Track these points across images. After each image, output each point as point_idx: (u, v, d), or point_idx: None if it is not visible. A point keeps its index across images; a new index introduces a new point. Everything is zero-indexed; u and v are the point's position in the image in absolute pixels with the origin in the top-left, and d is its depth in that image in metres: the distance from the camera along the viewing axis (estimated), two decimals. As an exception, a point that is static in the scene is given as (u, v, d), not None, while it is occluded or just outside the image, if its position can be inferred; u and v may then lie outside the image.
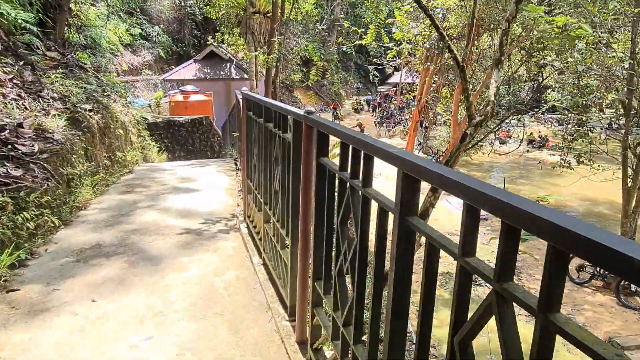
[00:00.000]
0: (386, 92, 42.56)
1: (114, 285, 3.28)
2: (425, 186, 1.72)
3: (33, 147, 4.64)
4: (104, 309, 2.95)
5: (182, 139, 13.87)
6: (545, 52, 16.28)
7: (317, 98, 23.62)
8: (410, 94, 27.36)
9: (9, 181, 4.01)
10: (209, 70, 21.03)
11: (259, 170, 3.74)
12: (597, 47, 9.33)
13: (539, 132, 26.24)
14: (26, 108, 5.26)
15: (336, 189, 2.05)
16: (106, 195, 5.66)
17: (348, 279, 1.99)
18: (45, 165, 4.65)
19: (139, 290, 3.22)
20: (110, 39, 22.00)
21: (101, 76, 9.81)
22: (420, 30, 18.32)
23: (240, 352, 2.54)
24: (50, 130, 5.15)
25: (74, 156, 5.25)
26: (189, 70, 20.94)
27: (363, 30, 15.89)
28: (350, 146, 1.80)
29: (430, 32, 18.09)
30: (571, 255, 0.76)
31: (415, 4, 7.84)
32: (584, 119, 12.19)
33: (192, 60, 21.93)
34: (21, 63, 6.01)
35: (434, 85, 21.14)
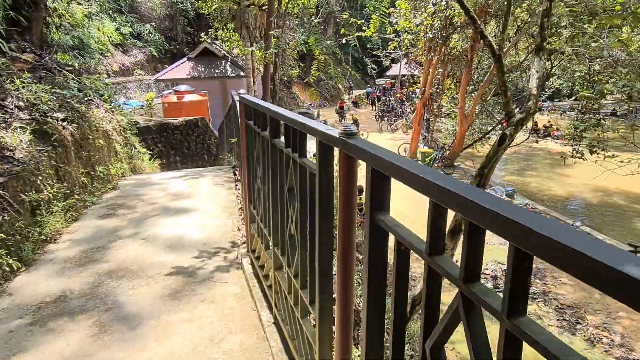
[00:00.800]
0: (384, 85, 41.57)
1: (75, 366, 2.41)
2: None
3: (-16, 171, 3.77)
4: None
5: (177, 142, 13.01)
6: (556, 37, 15.38)
7: (317, 93, 22.71)
8: (413, 87, 26.47)
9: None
10: (203, 69, 20.08)
11: (264, 199, 2.87)
12: None
13: (548, 121, 25.34)
14: (-20, 122, 4.38)
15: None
16: (82, 220, 4.78)
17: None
18: (1, 192, 3.77)
19: (109, 373, 2.36)
20: (99, 39, 21.05)
21: (84, 79, 8.92)
22: (422, 19, 17.42)
23: None
24: (10, 147, 4.27)
25: (41, 177, 4.37)
26: (182, 69, 20.00)
27: (363, 21, 14.96)
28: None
29: (433, 20, 17.23)
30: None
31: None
32: (595, 107, 11.40)
33: (185, 58, 20.98)
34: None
35: (438, 77, 20.27)
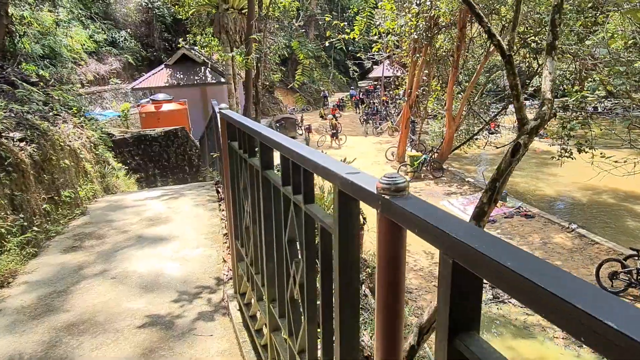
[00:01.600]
0: (367, 88, 41.21)
1: None
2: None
3: None
4: None
5: (156, 154, 12.37)
6: (541, 36, 15.14)
7: (302, 99, 22.15)
8: (398, 89, 26.11)
9: None
10: (182, 76, 19.38)
11: (255, 242, 2.33)
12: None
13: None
14: None
15: None
16: (43, 256, 4.16)
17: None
18: (-63, 232, 3.16)
19: None
20: (72, 47, 20.21)
21: (51, 90, 8.25)
22: (407, 20, 17.05)
23: None
24: (-47, 176, 3.65)
25: (-10, 210, 3.75)
26: (159, 76, 19.26)
27: (346, 24, 14.53)
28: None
29: (417, 21, 16.88)
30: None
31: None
32: (582, 105, 11.12)
33: (162, 65, 20.25)
34: None
35: (424, 78, 19.92)
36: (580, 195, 17.70)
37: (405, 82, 21.71)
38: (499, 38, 4.23)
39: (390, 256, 0.97)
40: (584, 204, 16.89)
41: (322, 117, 27.47)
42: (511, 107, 21.98)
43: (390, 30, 17.94)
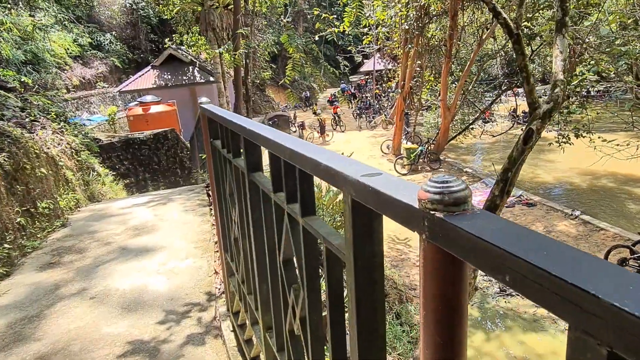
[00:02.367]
0: (358, 82, 40.78)
1: None
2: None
3: None
4: None
5: (145, 158, 11.99)
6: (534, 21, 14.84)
7: (294, 95, 21.75)
8: (391, 82, 25.74)
9: None
10: (169, 76, 18.92)
11: (245, 258, 1.97)
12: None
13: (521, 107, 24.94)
14: None
15: None
16: (17, 275, 3.79)
17: None
18: None
19: None
20: (56, 52, 19.67)
21: (29, 96, 7.84)
22: (397, 10, 16.67)
23: None
24: None
25: (-47, 228, 3.37)
26: (147, 78, 18.79)
27: (335, 17, 14.15)
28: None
29: (408, 11, 16.50)
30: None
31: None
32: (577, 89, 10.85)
33: (149, 66, 19.77)
34: None
35: (417, 69, 19.55)
36: (579, 181, 17.48)
37: (398, 75, 21.36)
38: (505, 16, 3.87)
39: (444, 302, 0.61)
40: (584, 189, 16.68)
41: (314, 113, 27.07)
42: (504, 96, 21.73)
43: (380, 22, 17.56)
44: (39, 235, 4.56)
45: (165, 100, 15.72)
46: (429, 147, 17.96)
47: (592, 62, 7.66)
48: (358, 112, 28.02)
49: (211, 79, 17.81)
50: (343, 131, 24.86)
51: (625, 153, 10.31)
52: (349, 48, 22.27)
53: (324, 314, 1.12)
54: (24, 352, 2.69)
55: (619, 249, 9.44)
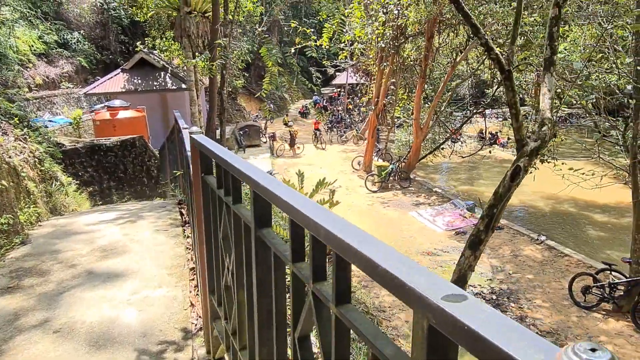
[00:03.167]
0: (330, 94, 40.94)
1: None
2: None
3: None
4: None
5: (111, 165, 11.51)
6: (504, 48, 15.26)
7: (269, 108, 21.46)
8: (365, 97, 25.90)
9: None
10: (140, 81, 18.40)
11: (241, 310, 1.80)
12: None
13: (498, 130, 25.63)
14: None
15: None
16: (-30, 302, 3.45)
17: None
18: None
19: None
20: (19, 49, 18.83)
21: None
22: (374, 28, 16.84)
23: None
24: None
25: None
26: (116, 81, 18.21)
27: (312, 30, 14.12)
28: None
29: (384, 30, 16.69)
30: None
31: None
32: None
33: (119, 69, 19.19)
34: None
35: (391, 87, 19.77)
36: (543, 205, 17.99)
37: (372, 91, 21.54)
38: (497, 52, 3.87)
39: None
40: (547, 213, 17.17)
41: (285, 124, 26.93)
42: (475, 117, 22.22)
43: (357, 39, 17.69)
44: (-5, 255, 4.22)
45: (135, 106, 15.25)
46: (400, 165, 18.12)
47: (565, 95, 7.88)
48: (329, 125, 28.05)
49: (183, 86, 17.44)
50: (324, 148, 24.54)
51: (591, 182, 10.65)
52: (323, 62, 22.29)
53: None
54: (-23, 398, 2.41)
55: (583, 276, 9.69)
